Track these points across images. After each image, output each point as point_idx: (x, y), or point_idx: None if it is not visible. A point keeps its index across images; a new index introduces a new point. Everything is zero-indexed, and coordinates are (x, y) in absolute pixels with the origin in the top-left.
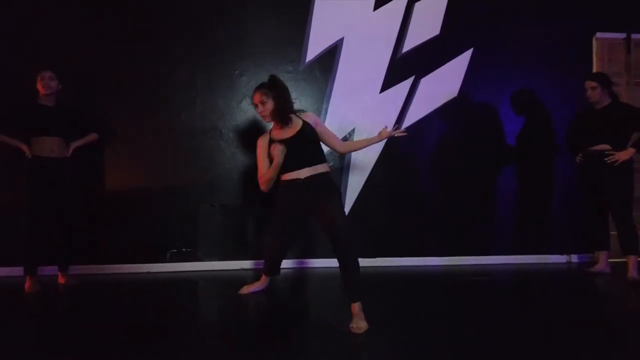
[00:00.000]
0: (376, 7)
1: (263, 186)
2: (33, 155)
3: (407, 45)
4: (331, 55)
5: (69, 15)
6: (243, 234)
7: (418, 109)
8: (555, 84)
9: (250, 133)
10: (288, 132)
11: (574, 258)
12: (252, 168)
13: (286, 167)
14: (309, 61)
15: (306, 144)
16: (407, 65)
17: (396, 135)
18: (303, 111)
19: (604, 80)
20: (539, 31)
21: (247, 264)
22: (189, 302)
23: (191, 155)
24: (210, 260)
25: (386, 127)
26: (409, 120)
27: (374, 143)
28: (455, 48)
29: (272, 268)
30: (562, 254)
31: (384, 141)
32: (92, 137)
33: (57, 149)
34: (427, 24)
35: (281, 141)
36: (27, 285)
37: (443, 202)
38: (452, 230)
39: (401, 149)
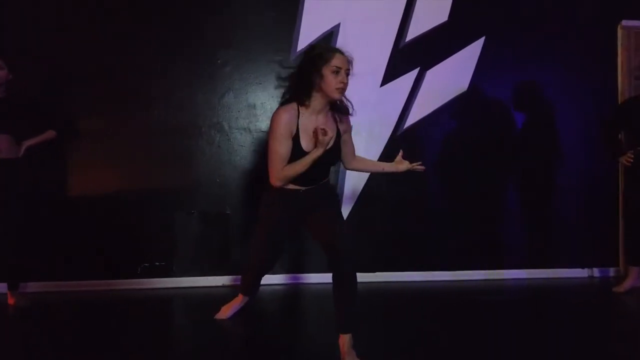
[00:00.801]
0: None
1: (280, 181)
2: None
3: (412, 33)
4: (326, 43)
5: (35, 3)
6: (225, 246)
7: (423, 105)
8: (577, 77)
9: (234, 131)
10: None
11: (596, 272)
12: (235, 171)
13: (296, 181)
14: (300, 50)
15: (330, 160)
16: (412, 56)
17: (414, 169)
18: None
19: None
20: (558, 18)
21: (228, 279)
22: (161, 324)
23: (166, 157)
24: (186, 276)
25: (401, 152)
26: (412, 118)
27: (387, 172)
28: (465, 36)
29: (253, 287)
30: (582, 267)
31: (384, 143)
32: (49, 134)
33: (5, 148)
34: (434, 9)
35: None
36: None
37: (449, 210)
38: (459, 241)
39: (405, 150)
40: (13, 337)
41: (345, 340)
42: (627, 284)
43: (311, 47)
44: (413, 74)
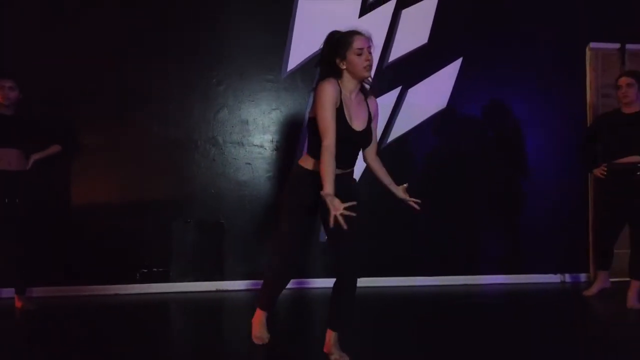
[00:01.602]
0: (361, 14)
1: (328, 149)
2: None
3: (394, 54)
4: (312, 63)
5: (38, 23)
6: (220, 253)
7: (405, 121)
8: (549, 95)
9: (229, 145)
10: (359, 118)
11: (568, 277)
12: (229, 183)
13: (338, 157)
14: (290, 70)
15: (363, 146)
16: (394, 75)
17: (408, 203)
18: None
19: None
20: (531, 40)
21: (223, 285)
22: (159, 327)
23: (164, 169)
24: (183, 281)
25: (406, 186)
26: (395, 133)
27: (392, 190)
28: (444, 57)
29: (274, 298)
30: (555, 273)
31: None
32: (54, 149)
33: (15, 162)
34: (415, 32)
35: (350, 129)
36: None
37: (431, 219)
38: (440, 249)
39: (387, 164)
40: (20, 338)
41: (332, 335)
42: (595, 288)
43: (331, 35)
44: (395, 92)
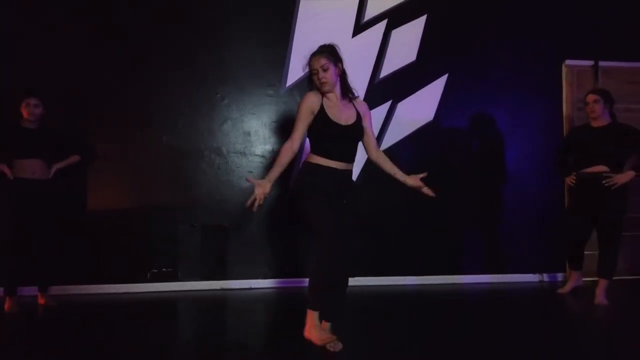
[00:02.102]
0: (355, 34)
1: (292, 144)
2: (15, 177)
3: (385, 71)
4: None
5: (55, 39)
6: (223, 254)
7: (395, 132)
8: (528, 108)
9: (232, 155)
10: (345, 116)
11: (546, 277)
12: (232, 189)
13: (329, 154)
14: (289, 85)
15: (355, 139)
16: (385, 90)
17: (423, 192)
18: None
19: (607, 96)
20: (511, 57)
21: (227, 284)
22: (168, 323)
23: (173, 176)
24: (190, 281)
25: (425, 175)
26: (386, 143)
27: (401, 180)
28: (431, 73)
29: (326, 296)
30: (534, 273)
31: (362, 165)
32: (74, 158)
33: (38, 171)
34: (404, 50)
35: (335, 125)
36: (6, 305)
37: (417, 222)
38: (425, 250)
39: (378, 172)
40: (44, 332)
41: (327, 325)
42: (568, 286)
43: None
44: (386, 105)
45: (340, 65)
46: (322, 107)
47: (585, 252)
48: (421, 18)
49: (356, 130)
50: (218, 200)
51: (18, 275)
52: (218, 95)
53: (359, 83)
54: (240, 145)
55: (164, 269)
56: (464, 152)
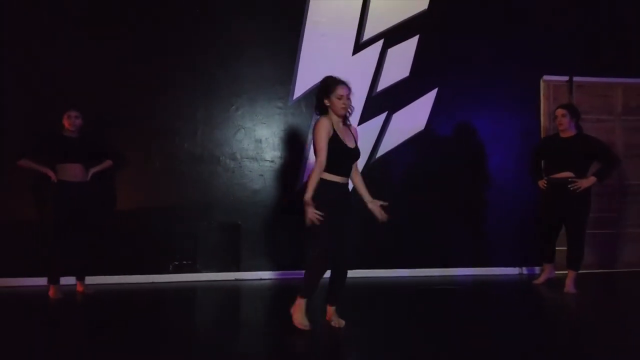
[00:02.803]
0: (354, 52)
1: (320, 164)
2: (58, 180)
3: (381, 85)
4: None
5: (91, 60)
6: (237, 249)
7: (391, 140)
8: (509, 119)
9: (245, 160)
10: (349, 138)
11: (525, 270)
12: (245, 191)
13: (336, 170)
14: (296, 98)
15: (355, 155)
16: (381, 102)
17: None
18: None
19: (573, 110)
20: (495, 73)
21: (240, 275)
22: (188, 308)
23: (192, 179)
24: (207, 272)
25: (385, 204)
26: (382, 150)
27: (365, 199)
28: (422, 88)
29: (316, 286)
30: (514, 266)
31: (361, 169)
32: (108, 163)
33: (78, 175)
34: (398, 67)
35: (347, 148)
36: (51, 292)
37: (410, 222)
38: (416, 245)
39: (376, 175)
40: (83, 315)
41: (332, 308)
42: (542, 278)
43: (325, 79)
44: (382, 116)
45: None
46: (335, 133)
47: (558, 248)
48: (414, 38)
49: (357, 152)
50: (232, 200)
51: (60, 266)
52: (232, 107)
53: (359, 96)
54: (252, 152)
55: (184, 262)
56: (452, 157)
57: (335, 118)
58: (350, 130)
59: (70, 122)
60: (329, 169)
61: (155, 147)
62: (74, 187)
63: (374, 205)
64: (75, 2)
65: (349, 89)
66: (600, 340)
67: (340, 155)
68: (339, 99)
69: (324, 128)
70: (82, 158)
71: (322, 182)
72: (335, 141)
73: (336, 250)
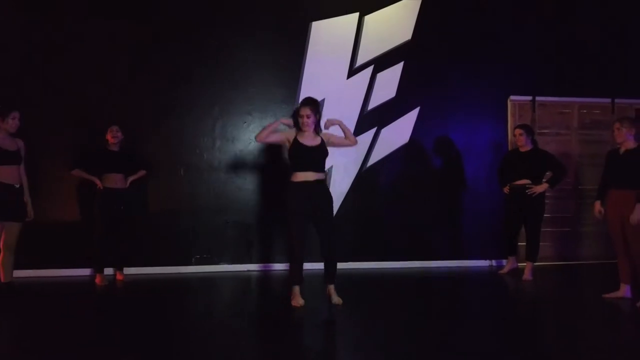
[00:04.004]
0: (349, 76)
1: (260, 135)
2: (103, 187)
3: (372, 104)
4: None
5: (133, 89)
6: (249, 244)
7: (379, 151)
8: (481, 133)
9: (254, 170)
10: (313, 141)
11: (494, 263)
12: (256, 196)
13: (301, 167)
14: None
15: (319, 154)
16: (371, 119)
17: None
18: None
19: (528, 129)
20: (468, 94)
21: (252, 266)
22: (208, 294)
23: (211, 185)
24: (224, 264)
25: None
26: (372, 160)
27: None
28: (407, 106)
29: (301, 273)
30: (485, 259)
31: (354, 176)
32: (142, 173)
33: (119, 182)
34: (386, 89)
35: (306, 146)
36: (97, 280)
37: (397, 221)
38: (401, 241)
39: (367, 181)
40: (123, 298)
41: (330, 286)
42: (506, 268)
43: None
44: (372, 131)
45: (318, 116)
46: (295, 139)
47: (520, 244)
48: (399, 64)
49: (319, 152)
50: (244, 202)
51: (104, 258)
52: (245, 123)
53: (352, 113)
54: (262, 164)
55: (204, 255)
56: (432, 166)
57: (304, 132)
58: (320, 136)
59: (112, 134)
60: (294, 169)
61: (179, 159)
62: (116, 193)
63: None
64: (120, 38)
65: (311, 110)
66: (545, 311)
67: (300, 152)
68: (301, 117)
69: (284, 132)
70: (122, 169)
71: (290, 184)
72: (294, 144)
73: (321, 242)
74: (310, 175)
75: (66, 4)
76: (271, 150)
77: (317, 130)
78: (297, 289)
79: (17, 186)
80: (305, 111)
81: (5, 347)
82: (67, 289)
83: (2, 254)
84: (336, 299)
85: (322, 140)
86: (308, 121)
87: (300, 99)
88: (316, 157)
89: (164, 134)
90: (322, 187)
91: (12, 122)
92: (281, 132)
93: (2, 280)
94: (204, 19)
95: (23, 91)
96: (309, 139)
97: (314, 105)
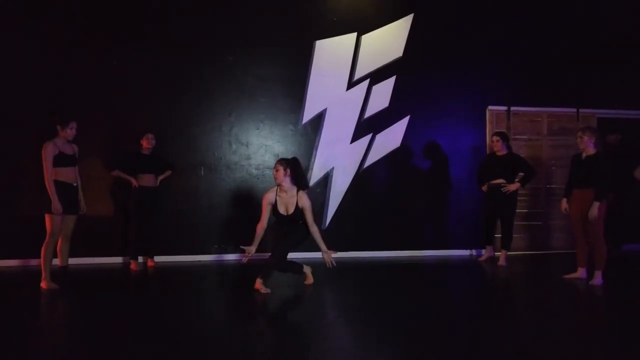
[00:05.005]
0: (348, 88)
1: (259, 232)
2: (139, 185)
3: (368, 113)
4: (318, 119)
5: (157, 99)
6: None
7: (374, 155)
8: (463, 138)
9: (266, 170)
10: (289, 203)
11: (474, 252)
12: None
13: (280, 226)
14: (304, 123)
15: (293, 220)
16: (368, 126)
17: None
18: (304, 189)
19: (504, 136)
20: (452, 104)
21: (261, 255)
22: (228, 278)
23: (228, 184)
24: (237, 253)
25: (330, 255)
26: (369, 161)
27: (320, 248)
28: (398, 115)
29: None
30: (467, 249)
31: (351, 177)
32: (169, 173)
33: (151, 182)
34: (380, 99)
35: (282, 214)
36: (132, 266)
37: (390, 215)
38: (397, 233)
39: (364, 182)
40: (155, 282)
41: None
42: (485, 256)
43: None
44: (368, 137)
45: (288, 169)
46: (275, 203)
47: (496, 235)
48: (392, 78)
49: (293, 217)
50: (256, 201)
51: (138, 247)
52: (257, 129)
53: (351, 121)
54: (271, 163)
55: (222, 245)
56: (420, 167)
57: (285, 188)
58: (297, 198)
59: (148, 141)
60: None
61: (200, 161)
62: (149, 190)
63: (326, 255)
64: (147, 60)
65: (279, 164)
66: (516, 289)
67: (277, 218)
68: (274, 170)
69: (265, 199)
70: (153, 170)
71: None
72: (274, 208)
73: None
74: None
75: (112, 34)
76: (280, 155)
77: (298, 184)
78: (308, 269)
79: (75, 185)
80: (276, 166)
81: (72, 315)
82: (106, 273)
83: (61, 241)
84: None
85: (297, 206)
86: (276, 174)
87: (306, 109)
88: (291, 222)
89: (187, 139)
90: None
91: (70, 131)
92: (265, 199)
93: (60, 264)
94: (222, 40)
95: (73, 105)
96: (286, 204)
97: (286, 162)
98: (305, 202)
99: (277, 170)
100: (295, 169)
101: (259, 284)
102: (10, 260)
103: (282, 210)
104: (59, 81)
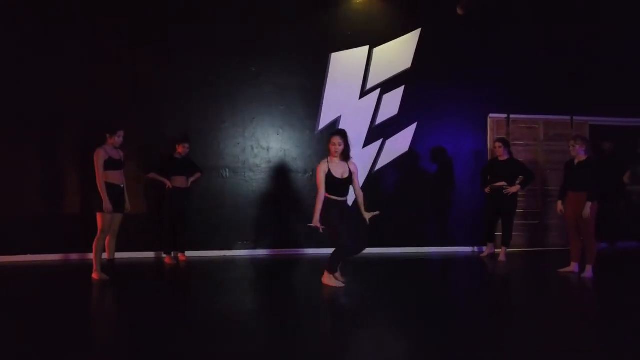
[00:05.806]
0: (360, 97)
1: (318, 200)
2: (173, 186)
3: (379, 120)
4: (333, 125)
5: (188, 109)
6: (279, 233)
7: (385, 159)
8: (466, 144)
9: (284, 172)
10: (343, 170)
11: (477, 249)
12: (286, 192)
13: (336, 192)
14: (320, 129)
15: (346, 184)
16: (378, 132)
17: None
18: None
19: (506, 142)
20: (456, 112)
21: (280, 251)
22: (251, 271)
23: (249, 185)
24: (260, 248)
25: (376, 214)
26: (380, 165)
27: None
28: (407, 122)
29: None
30: (469, 246)
31: (364, 178)
32: (198, 175)
33: (184, 183)
34: (390, 107)
35: (338, 178)
36: (167, 260)
37: (399, 214)
38: (405, 231)
39: (375, 183)
40: (186, 274)
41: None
42: (486, 253)
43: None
44: (379, 142)
45: (343, 144)
46: (329, 170)
47: (497, 233)
48: (401, 87)
49: (347, 182)
50: (276, 200)
51: (172, 243)
52: (278, 135)
53: (363, 127)
54: (290, 166)
55: (246, 241)
56: (427, 170)
57: (334, 159)
58: (348, 165)
59: (183, 149)
60: (329, 193)
61: (225, 164)
62: (181, 191)
63: (367, 215)
64: (177, 72)
65: (341, 137)
66: (515, 282)
67: (333, 184)
68: (332, 145)
69: (319, 169)
70: (185, 173)
71: (327, 200)
72: (329, 175)
73: (354, 238)
74: (338, 198)
75: (144, 46)
76: (297, 158)
77: (347, 156)
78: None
79: (122, 186)
80: (335, 138)
81: (123, 301)
82: (145, 267)
83: (109, 237)
84: (337, 284)
85: (350, 172)
86: (338, 149)
87: (322, 116)
88: (345, 187)
89: (214, 144)
90: (345, 203)
91: (118, 139)
92: (320, 170)
93: (108, 258)
94: (246, 51)
95: (113, 117)
96: (338, 169)
97: (343, 135)
98: (356, 168)
99: (339, 145)
100: (347, 142)
101: (328, 278)
102: (52, 255)
103: (338, 175)
104: (105, 93)
